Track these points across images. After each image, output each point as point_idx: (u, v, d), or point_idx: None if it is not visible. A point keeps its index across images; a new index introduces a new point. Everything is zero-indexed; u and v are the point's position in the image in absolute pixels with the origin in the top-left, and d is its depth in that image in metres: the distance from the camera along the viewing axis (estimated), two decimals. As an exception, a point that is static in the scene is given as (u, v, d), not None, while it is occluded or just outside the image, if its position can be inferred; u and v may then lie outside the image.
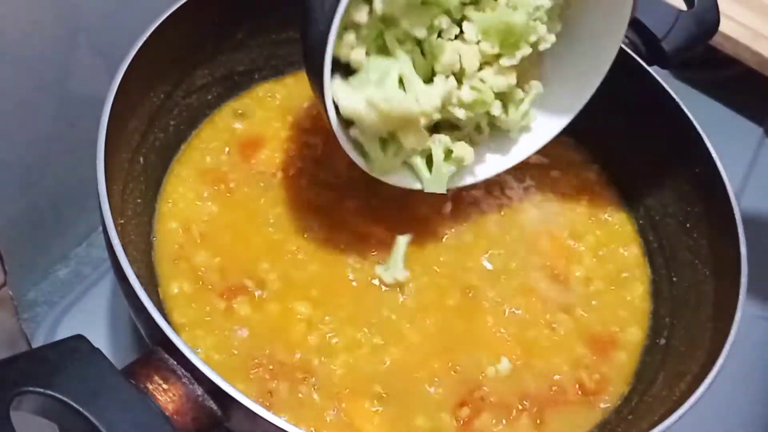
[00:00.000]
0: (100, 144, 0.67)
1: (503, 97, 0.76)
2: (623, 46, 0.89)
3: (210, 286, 0.75)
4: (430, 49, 0.70)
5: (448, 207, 0.85)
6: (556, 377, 0.76)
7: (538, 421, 0.74)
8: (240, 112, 0.89)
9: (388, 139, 0.73)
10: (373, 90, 0.67)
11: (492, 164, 0.81)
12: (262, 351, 0.72)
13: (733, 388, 0.82)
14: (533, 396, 0.75)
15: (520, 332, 0.79)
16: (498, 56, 0.72)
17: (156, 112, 0.81)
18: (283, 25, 0.91)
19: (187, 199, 0.81)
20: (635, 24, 0.93)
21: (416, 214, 0.84)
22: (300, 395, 0.70)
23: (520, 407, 0.74)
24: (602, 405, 0.76)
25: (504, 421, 0.73)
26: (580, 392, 0.76)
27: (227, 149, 0.86)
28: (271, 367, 0.71)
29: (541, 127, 0.82)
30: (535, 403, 0.74)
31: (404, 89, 0.68)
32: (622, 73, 0.90)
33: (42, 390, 0.54)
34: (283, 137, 0.88)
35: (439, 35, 0.71)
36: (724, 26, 0.99)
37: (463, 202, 0.87)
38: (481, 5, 0.71)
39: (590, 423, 0.75)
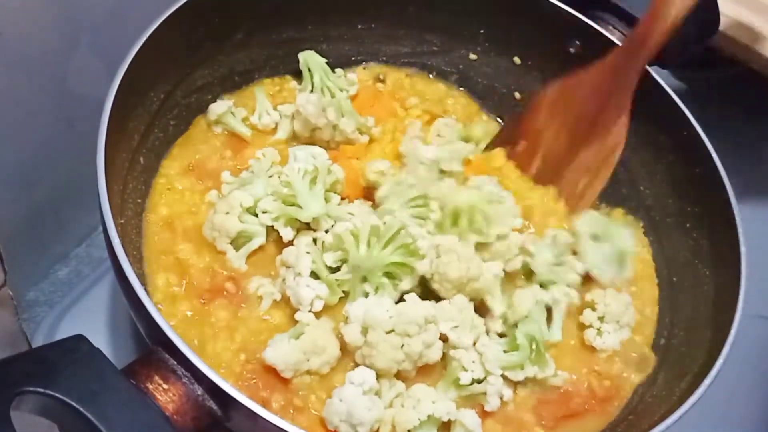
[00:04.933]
0: (100, 144, 0.67)
1: None
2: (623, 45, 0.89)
3: (194, 284, 0.74)
4: None
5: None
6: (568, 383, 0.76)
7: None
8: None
9: None
10: None
11: None
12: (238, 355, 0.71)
13: (733, 388, 0.82)
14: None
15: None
16: None
17: (156, 112, 0.81)
18: (283, 25, 0.91)
19: (174, 193, 0.81)
20: (635, 24, 0.93)
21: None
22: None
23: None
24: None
25: None
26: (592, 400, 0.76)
27: (218, 145, 0.86)
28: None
29: None
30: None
31: None
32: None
33: (42, 390, 0.54)
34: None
35: None
36: (724, 26, 0.99)
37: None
38: None
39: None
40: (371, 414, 0.66)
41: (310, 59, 0.90)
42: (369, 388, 0.67)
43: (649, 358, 0.79)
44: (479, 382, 0.71)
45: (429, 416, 0.66)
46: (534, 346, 0.72)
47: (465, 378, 0.70)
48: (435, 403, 0.67)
